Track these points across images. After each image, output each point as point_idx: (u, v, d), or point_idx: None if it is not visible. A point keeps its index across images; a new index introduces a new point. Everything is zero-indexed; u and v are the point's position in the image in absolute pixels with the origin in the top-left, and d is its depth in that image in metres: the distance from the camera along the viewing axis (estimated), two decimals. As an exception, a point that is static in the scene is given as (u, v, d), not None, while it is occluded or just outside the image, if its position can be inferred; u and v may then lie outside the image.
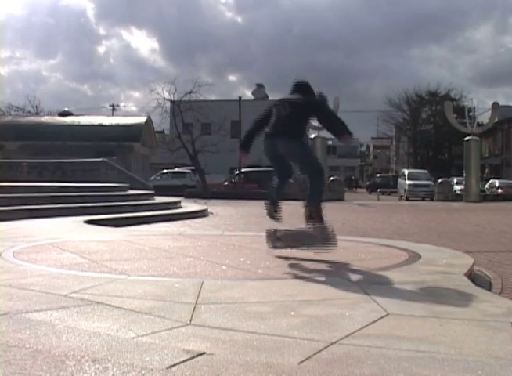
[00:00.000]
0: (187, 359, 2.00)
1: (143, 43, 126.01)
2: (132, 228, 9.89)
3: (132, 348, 2.18)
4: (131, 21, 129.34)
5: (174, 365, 1.92)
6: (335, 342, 2.51)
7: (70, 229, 8.28)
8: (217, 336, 2.59)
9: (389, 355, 2.35)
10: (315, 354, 2.32)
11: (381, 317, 3.02)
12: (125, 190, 16.99)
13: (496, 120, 36.15)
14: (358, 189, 47.60)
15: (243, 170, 35.44)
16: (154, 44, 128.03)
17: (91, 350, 2.07)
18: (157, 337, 2.52)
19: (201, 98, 37.15)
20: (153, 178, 36.26)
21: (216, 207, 17.32)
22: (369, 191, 48.46)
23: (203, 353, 2.09)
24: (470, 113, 35.48)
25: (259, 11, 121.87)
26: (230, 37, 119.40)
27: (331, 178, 30.81)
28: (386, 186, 44.33)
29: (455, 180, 36.62)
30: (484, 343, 2.56)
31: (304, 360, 2.23)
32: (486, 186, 37.09)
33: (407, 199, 32.75)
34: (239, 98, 38.45)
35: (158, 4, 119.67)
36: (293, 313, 3.10)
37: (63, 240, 6.72)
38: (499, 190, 35.04)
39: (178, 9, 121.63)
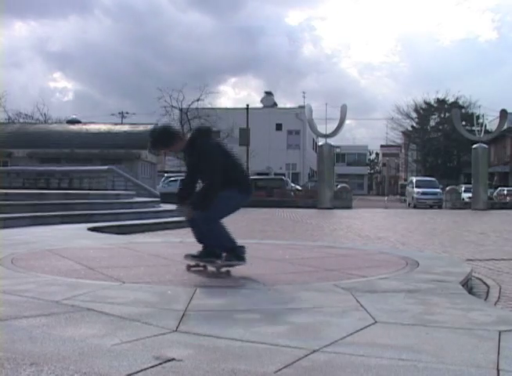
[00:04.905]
0: (154, 366, 2.00)
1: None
2: (135, 235, 9.93)
3: (104, 354, 2.19)
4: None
5: (140, 371, 1.92)
6: (317, 350, 2.51)
7: (72, 236, 8.31)
8: (200, 343, 2.59)
9: (370, 363, 2.34)
10: (295, 362, 2.31)
11: (368, 325, 3.01)
12: (131, 198, 17.04)
13: (505, 127, 35.95)
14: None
15: (250, 178, 35.40)
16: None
17: (61, 356, 2.08)
18: (141, 343, 2.52)
19: (209, 105, 37.37)
20: (160, 185, 36.28)
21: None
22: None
23: (172, 359, 2.09)
24: (480, 121, 35.35)
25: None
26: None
27: (338, 186, 30.77)
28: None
29: (463, 188, 36.48)
30: (468, 352, 2.54)
31: (283, 368, 2.23)
32: (494, 193, 36.88)
33: (415, 207, 32.61)
34: (247, 106, 38.55)
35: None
36: (281, 321, 3.10)
37: (63, 246, 6.75)
38: (508, 198, 34.80)
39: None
